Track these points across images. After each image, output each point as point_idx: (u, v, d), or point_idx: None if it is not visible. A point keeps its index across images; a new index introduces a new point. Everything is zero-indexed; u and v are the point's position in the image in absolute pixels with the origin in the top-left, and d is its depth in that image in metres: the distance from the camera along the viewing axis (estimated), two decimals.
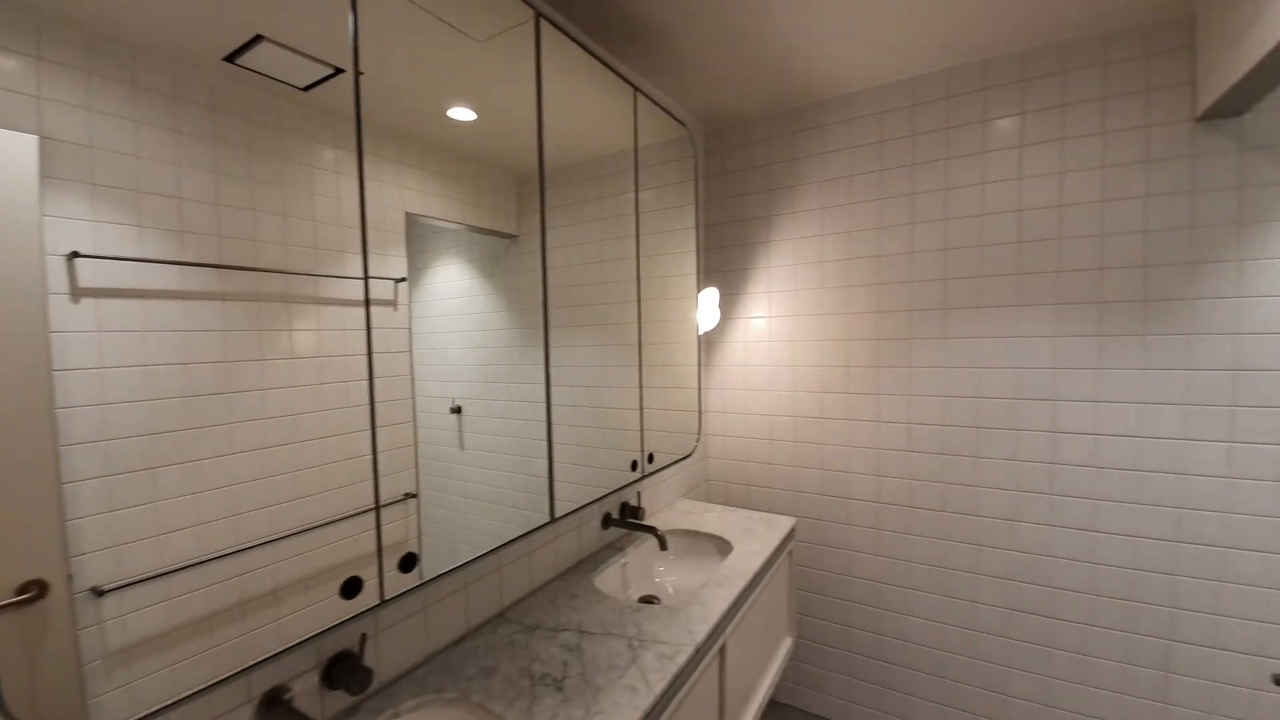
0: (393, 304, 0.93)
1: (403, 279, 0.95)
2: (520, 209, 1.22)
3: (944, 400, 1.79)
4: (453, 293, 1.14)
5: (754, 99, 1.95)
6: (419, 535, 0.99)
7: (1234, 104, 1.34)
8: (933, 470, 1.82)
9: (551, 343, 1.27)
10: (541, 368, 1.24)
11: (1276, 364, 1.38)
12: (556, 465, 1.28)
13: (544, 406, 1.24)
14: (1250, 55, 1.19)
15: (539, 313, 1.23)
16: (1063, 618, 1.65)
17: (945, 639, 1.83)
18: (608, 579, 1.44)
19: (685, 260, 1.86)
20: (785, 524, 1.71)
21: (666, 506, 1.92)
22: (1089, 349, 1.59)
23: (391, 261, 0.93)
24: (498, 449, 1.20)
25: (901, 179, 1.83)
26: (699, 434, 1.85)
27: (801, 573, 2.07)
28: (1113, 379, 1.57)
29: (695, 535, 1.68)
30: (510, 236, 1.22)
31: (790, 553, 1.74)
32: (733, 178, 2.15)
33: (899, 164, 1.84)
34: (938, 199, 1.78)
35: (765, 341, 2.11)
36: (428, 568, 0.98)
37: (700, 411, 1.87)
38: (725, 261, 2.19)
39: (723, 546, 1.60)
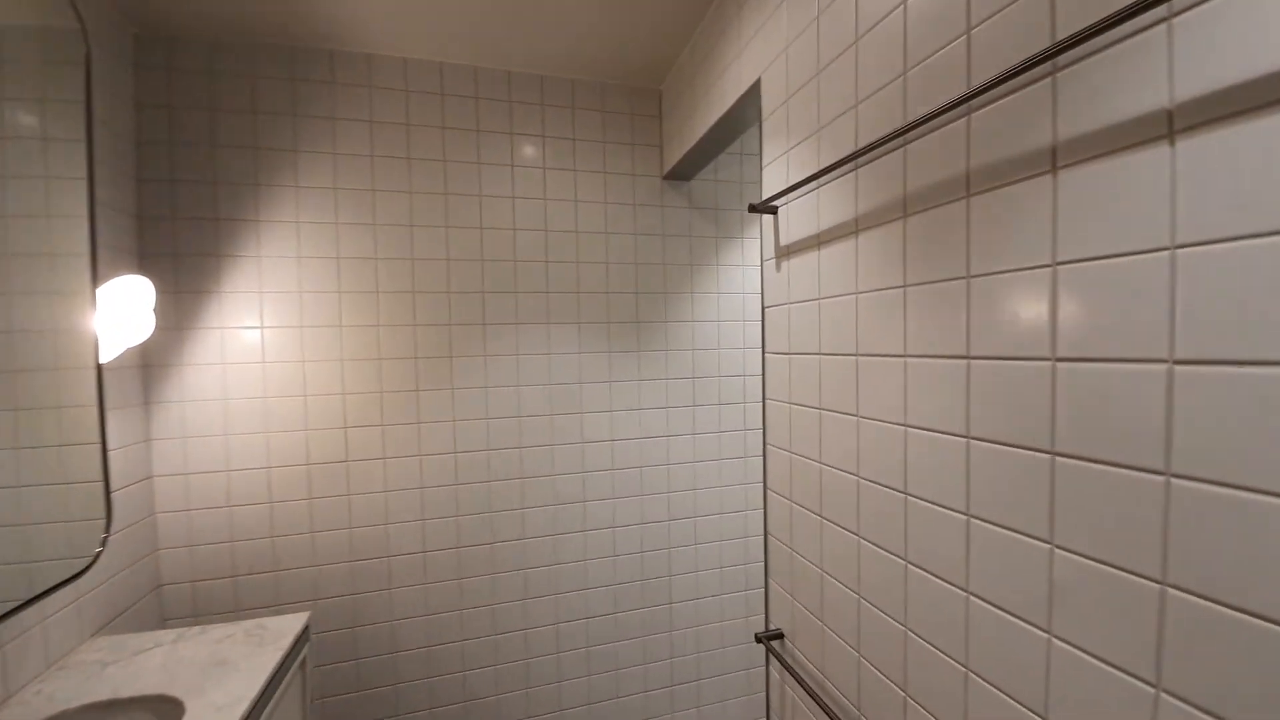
0: None
1: None
2: None
3: (487, 423, 1.66)
4: None
5: (226, 7, 1.33)
6: None
7: (683, 171, 1.72)
8: (480, 501, 1.66)
9: None
10: None
11: (712, 371, 1.86)
12: None
13: None
14: (688, 140, 1.52)
15: None
16: (596, 614, 1.77)
17: (503, 680, 1.69)
18: None
19: (77, 231, 1.07)
20: (290, 629, 1.18)
21: (55, 666, 1.05)
22: (602, 363, 1.76)
23: None
24: None
25: (434, 174, 1.60)
26: (108, 525, 1.07)
27: (328, 676, 1.54)
28: (620, 389, 1.78)
29: (108, 708, 0.94)
30: None
31: (304, 663, 1.22)
32: (191, 117, 1.43)
33: (430, 156, 1.60)
34: (473, 204, 1.64)
35: (258, 363, 1.49)
36: None
37: (109, 487, 1.09)
38: (180, 241, 1.43)
39: (169, 710, 0.94)
